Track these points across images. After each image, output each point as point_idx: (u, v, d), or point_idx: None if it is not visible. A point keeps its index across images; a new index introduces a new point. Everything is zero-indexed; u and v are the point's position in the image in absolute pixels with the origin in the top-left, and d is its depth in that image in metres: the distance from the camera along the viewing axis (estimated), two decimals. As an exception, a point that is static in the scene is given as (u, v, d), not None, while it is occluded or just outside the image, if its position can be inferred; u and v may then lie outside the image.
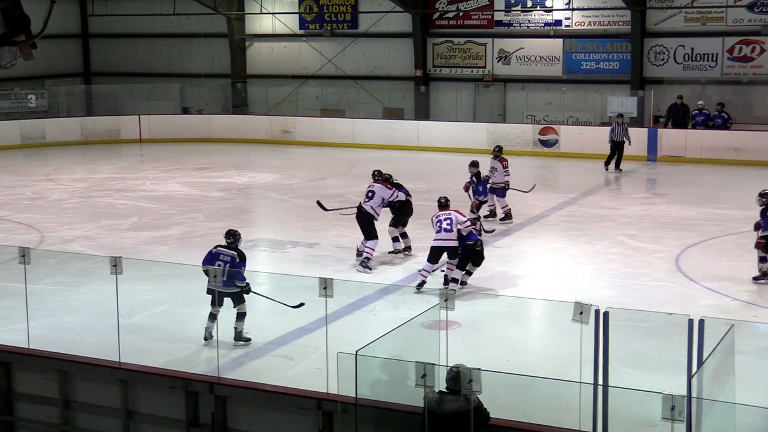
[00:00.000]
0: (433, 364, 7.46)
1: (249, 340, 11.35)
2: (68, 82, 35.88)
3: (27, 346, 10.47)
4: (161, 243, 16.88)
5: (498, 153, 18.63)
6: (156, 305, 13.12)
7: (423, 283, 13.62)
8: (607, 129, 25.05)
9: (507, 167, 18.39)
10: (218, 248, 11.50)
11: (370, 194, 15.32)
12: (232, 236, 11.55)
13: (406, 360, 7.90)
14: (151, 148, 30.29)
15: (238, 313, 11.29)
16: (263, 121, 31.87)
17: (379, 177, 15.72)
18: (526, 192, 19.01)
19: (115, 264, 9.94)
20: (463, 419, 7.37)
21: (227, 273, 11.10)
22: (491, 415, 7.60)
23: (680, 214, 19.13)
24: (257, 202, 20.53)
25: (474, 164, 17.85)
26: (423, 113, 31.39)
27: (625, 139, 24.43)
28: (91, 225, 18.48)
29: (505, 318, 12.73)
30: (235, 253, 11.41)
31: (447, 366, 7.58)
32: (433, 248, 13.72)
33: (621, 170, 24.39)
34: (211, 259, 11.38)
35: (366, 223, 15.15)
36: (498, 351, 11.27)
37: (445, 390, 7.45)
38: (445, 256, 13.80)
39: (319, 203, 16.65)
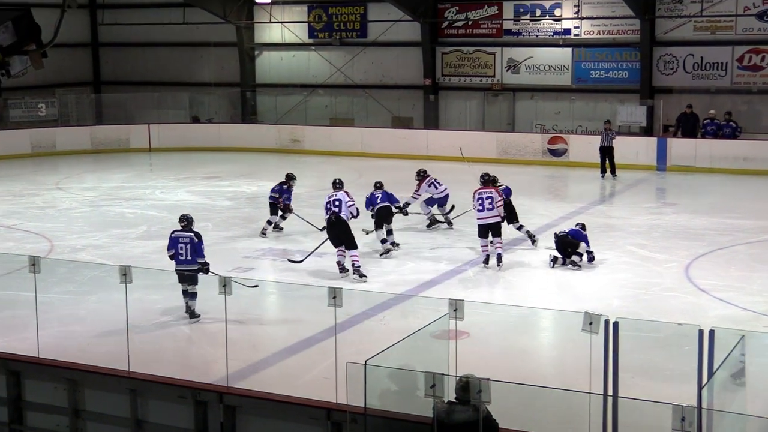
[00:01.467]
0: (443, 374, 7.45)
1: (199, 316, 12.69)
2: (78, 91, 35.99)
3: (37, 355, 10.49)
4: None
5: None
6: (165, 314, 13.13)
7: (487, 257, 15.42)
8: (616, 138, 25.00)
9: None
10: (176, 233, 13.08)
11: (337, 203, 15.33)
12: (186, 220, 13.17)
13: (415, 370, 7.89)
14: (161, 157, 30.36)
15: (190, 293, 12.75)
16: (272, 130, 31.92)
17: (340, 185, 15.89)
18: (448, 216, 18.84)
19: (125, 273, 9.96)
20: (472, 429, 7.34)
21: (190, 251, 12.82)
22: (500, 425, 7.58)
23: (690, 223, 19.08)
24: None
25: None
26: (432, 122, 31.41)
27: (606, 143, 24.75)
28: (100, 234, 18.52)
29: (515, 328, 12.69)
30: (192, 234, 12.99)
31: (456, 376, 7.56)
32: (479, 226, 15.50)
33: (616, 176, 24.49)
34: (172, 243, 13.02)
35: (345, 231, 15.19)
36: (507, 361, 11.25)
37: (455, 400, 7.44)
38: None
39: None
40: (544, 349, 12.32)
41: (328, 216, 15.20)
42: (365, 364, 7.67)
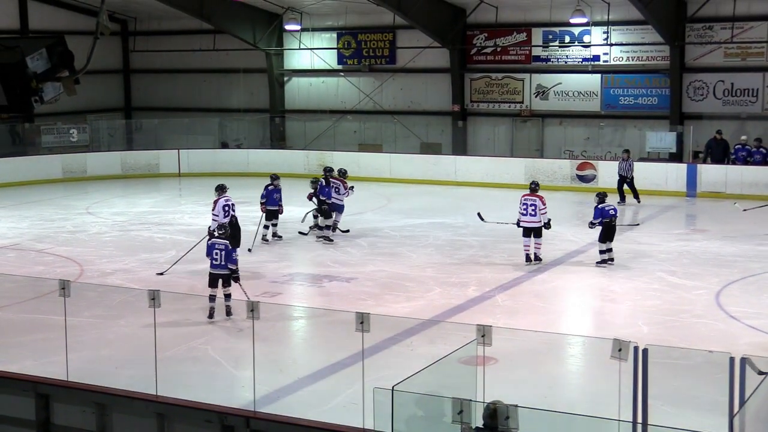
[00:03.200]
0: (470, 400, 7.41)
1: (232, 315, 14.04)
2: (109, 117, 36.34)
3: (66, 379, 10.54)
4: (200, 276, 16.95)
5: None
6: (193, 338, 13.17)
7: (528, 257, 17.55)
8: (645, 164, 24.93)
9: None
10: (213, 239, 14.47)
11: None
12: (223, 228, 14.68)
13: (442, 396, 7.86)
14: (190, 182, 30.54)
15: (225, 295, 14.08)
16: (301, 155, 32.03)
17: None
18: None
19: (153, 297, 10.01)
20: (500, 456, 7.29)
21: (224, 257, 14.11)
22: (528, 453, 7.52)
23: (720, 250, 18.93)
24: (294, 236, 20.60)
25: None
26: (460, 148, 31.40)
27: (628, 174, 24.83)
28: (129, 258, 18.63)
29: (543, 354, 12.63)
30: (227, 242, 14.32)
31: (484, 402, 7.52)
32: (523, 228, 17.73)
33: (640, 201, 24.71)
34: (209, 249, 14.41)
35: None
36: (535, 387, 11.18)
37: (482, 426, 7.39)
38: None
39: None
40: (572, 375, 12.23)
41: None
42: (392, 390, 7.66)
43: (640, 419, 7.70)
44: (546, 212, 17.70)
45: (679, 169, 26.29)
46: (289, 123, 35.32)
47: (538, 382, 11.44)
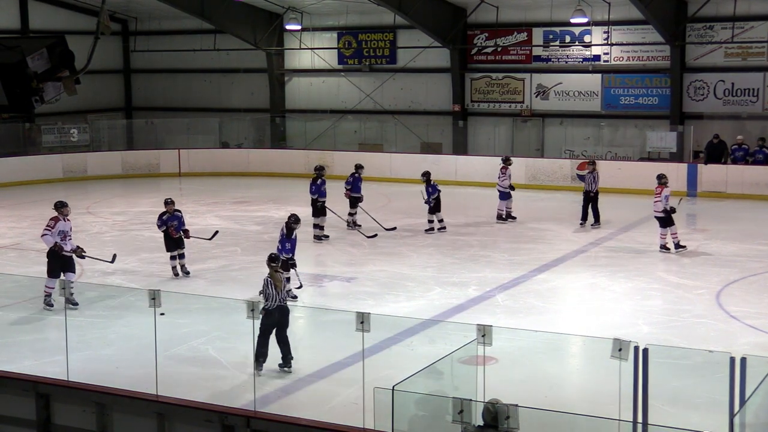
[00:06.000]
0: (471, 399, 7.41)
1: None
2: (110, 117, 36.36)
3: (66, 378, 10.54)
4: (199, 276, 16.96)
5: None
6: (193, 338, 13.17)
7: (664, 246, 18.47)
8: (646, 164, 24.84)
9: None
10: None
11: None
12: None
13: (443, 395, 7.86)
14: (190, 182, 30.55)
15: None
16: (301, 155, 32.04)
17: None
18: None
19: (154, 297, 10.01)
20: (500, 456, 7.29)
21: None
22: (529, 453, 7.53)
23: (721, 250, 18.92)
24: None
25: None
26: (461, 148, 31.40)
27: (593, 188, 21.36)
28: (130, 258, 18.62)
29: (543, 354, 12.63)
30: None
31: (484, 402, 7.52)
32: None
33: (599, 225, 21.28)
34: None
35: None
36: (536, 387, 11.18)
37: (483, 425, 7.39)
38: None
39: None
40: (572, 375, 12.23)
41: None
42: (393, 390, 7.66)
43: (640, 419, 7.70)
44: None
45: (680, 169, 26.27)
46: (290, 123, 35.31)
47: (539, 382, 11.44)
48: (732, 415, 7.24)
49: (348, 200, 21.33)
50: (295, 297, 14.37)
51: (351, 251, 19.18)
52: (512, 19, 30.61)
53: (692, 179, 26.22)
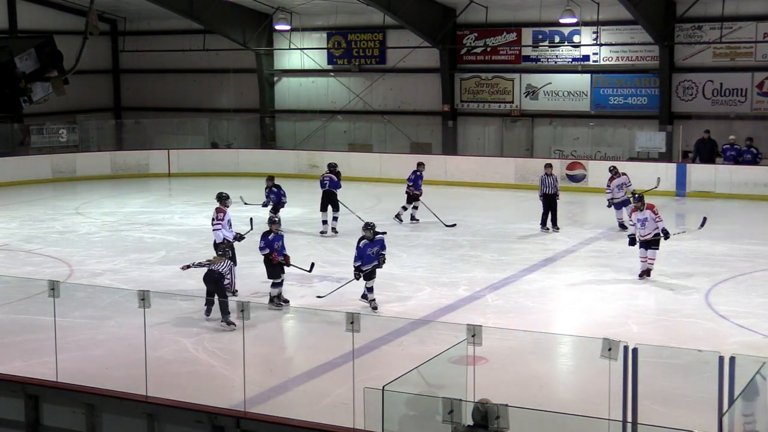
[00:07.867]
0: (461, 399, 7.42)
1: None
2: (99, 117, 36.26)
3: (55, 379, 10.52)
4: (189, 277, 16.92)
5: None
6: (183, 339, 13.14)
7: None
8: (635, 164, 24.88)
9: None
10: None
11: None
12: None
13: (433, 396, 7.87)
14: (180, 183, 30.50)
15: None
16: (291, 155, 32.02)
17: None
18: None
19: (143, 298, 9.99)
20: (490, 456, 7.30)
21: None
22: (519, 452, 7.53)
23: (710, 249, 18.98)
24: (285, 235, 20.58)
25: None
26: (450, 148, 31.42)
27: (556, 192, 21.15)
28: (119, 259, 18.59)
29: (533, 354, 12.65)
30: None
31: (474, 402, 7.53)
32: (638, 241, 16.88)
33: (558, 228, 21.05)
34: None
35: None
36: (526, 387, 11.19)
37: (473, 425, 7.39)
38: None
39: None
40: (562, 375, 12.25)
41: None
42: (383, 390, 7.66)
43: (630, 418, 7.72)
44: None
45: (669, 169, 26.34)
46: (279, 123, 35.29)
47: (529, 382, 11.45)
48: (720, 414, 7.26)
49: (406, 196, 21.95)
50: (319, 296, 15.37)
51: (341, 251, 19.18)
52: (501, 19, 30.65)
53: (681, 179, 26.28)
